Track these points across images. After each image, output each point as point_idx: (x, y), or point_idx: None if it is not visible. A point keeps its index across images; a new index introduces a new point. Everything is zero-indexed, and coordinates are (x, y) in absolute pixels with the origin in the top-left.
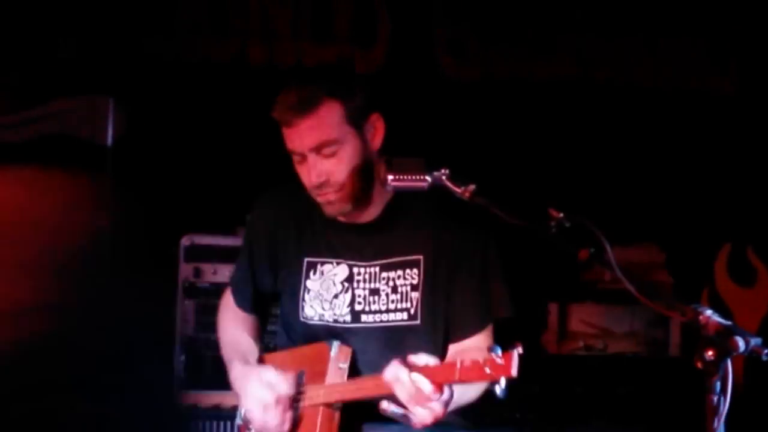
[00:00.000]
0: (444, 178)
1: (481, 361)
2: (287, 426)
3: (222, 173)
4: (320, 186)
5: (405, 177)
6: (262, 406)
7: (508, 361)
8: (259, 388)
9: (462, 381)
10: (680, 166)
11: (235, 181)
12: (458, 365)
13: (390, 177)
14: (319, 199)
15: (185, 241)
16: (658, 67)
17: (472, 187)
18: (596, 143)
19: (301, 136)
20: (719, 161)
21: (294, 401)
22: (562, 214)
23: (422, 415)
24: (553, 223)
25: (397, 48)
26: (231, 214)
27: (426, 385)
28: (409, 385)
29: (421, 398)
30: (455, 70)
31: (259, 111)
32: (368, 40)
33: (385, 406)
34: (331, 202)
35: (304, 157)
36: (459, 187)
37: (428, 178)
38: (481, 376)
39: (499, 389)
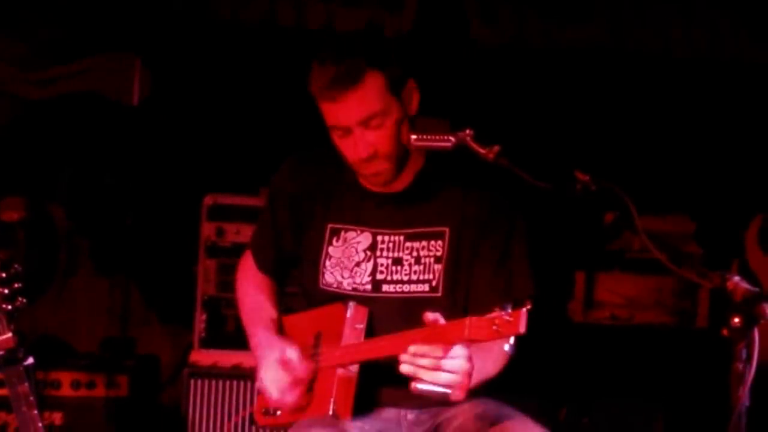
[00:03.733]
0: (468, 138)
1: (489, 317)
2: (303, 401)
3: (247, 133)
4: (369, 158)
5: (428, 137)
6: (279, 386)
7: (517, 318)
8: (276, 368)
9: (472, 339)
10: (712, 136)
11: (260, 142)
12: (467, 322)
13: (413, 137)
14: (366, 172)
15: (208, 201)
16: (691, 36)
17: (496, 148)
18: (627, 111)
19: (348, 110)
20: (752, 132)
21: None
22: (587, 177)
23: (452, 378)
24: (578, 186)
25: (427, 11)
26: (255, 175)
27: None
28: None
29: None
30: (486, 34)
31: (286, 72)
32: (398, 2)
33: (415, 383)
34: (380, 173)
35: (348, 131)
36: (483, 147)
37: (452, 138)
38: (490, 334)
39: (507, 346)
